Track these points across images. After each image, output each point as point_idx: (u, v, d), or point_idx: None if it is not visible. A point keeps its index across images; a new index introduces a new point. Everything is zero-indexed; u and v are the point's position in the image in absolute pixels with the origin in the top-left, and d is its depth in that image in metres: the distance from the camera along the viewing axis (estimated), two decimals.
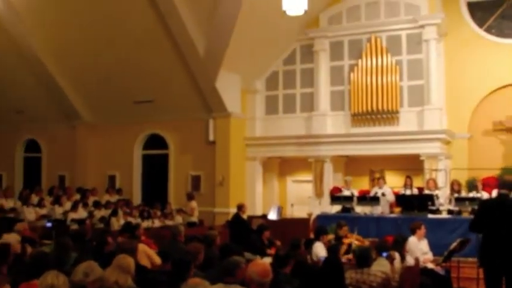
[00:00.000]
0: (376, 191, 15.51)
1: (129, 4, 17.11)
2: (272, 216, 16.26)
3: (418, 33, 17.30)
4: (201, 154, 19.31)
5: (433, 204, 13.99)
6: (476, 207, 10.68)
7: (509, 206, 7.99)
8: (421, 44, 17.28)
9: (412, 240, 10.13)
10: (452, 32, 17.68)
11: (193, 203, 17.79)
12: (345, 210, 15.32)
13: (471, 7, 17.68)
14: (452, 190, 14.69)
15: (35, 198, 17.14)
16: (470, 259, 10.87)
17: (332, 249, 10.20)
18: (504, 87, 17.16)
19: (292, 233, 12.48)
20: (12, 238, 8.22)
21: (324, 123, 18.37)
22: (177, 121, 19.62)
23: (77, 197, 18.06)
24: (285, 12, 12.53)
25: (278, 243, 11.67)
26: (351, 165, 19.04)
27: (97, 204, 17.23)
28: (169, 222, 16.94)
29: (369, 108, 17.53)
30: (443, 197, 14.95)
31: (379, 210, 14.91)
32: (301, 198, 18.77)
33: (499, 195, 8.41)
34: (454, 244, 9.93)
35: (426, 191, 14.85)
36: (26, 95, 21.15)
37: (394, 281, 7.80)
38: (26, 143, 23.08)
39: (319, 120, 18.42)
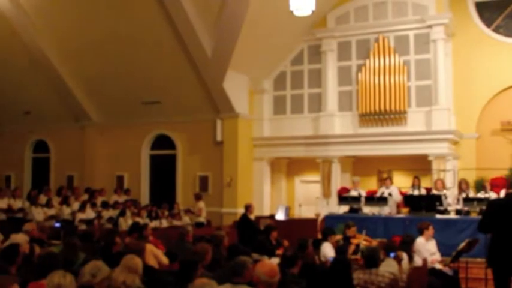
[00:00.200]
0: (383, 191, 15.51)
1: (137, 6, 17.13)
2: (280, 216, 16.27)
3: (426, 33, 17.27)
4: (209, 154, 19.32)
5: (441, 204, 13.97)
6: (484, 207, 10.64)
7: None
8: (429, 44, 17.24)
9: (420, 241, 10.11)
10: (460, 32, 17.64)
11: (201, 204, 17.81)
12: (352, 210, 15.31)
13: (479, 7, 17.62)
14: (460, 189, 14.69)
15: (43, 199, 17.18)
16: (478, 259, 10.87)
17: (340, 249, 10.21)
18: None
19: (300, 233, 12.47)
20: (20, 238, 8.23)
21: (332, 123, 18.35)
22: (185, 122, 19.64)
23: (85, 197, 18.08)
24: (292, 12, 12.54)
25: (286, 243, 11.66)
26: (358, 165, 19.01)
27: (105, 205, 17.27)
28: (177, 223, 16.98)
29: (377, 108, 17.50)
30: (451, 197, 14.92)
31: (386, 210, 14.89)
32: (308, 199, 18.78)
33: (508, 195, 8.40)
34: (462, 244, 9.91)
35: (434, 192, 14.83)
36: (34, 96, 21.22)
37: (402, 281, 7.78)
38: (34, 143, 23.14)
39: (327, 121, 18.40)
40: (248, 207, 14.60)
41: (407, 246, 9.25)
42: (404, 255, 8.74)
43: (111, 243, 8.61)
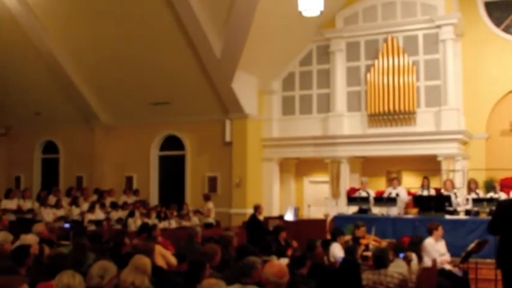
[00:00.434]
0: (390, 191, 15.47)
1: (146, 6, 17.16)
2: (289, 217, 16.25)
3: (435, 33, 17.22)
4: (218, 155, 19.34)
5: (450, 205, 13.93)
6: (494, 208, 10.61)
7: None
8: (438, 44, 17.19)
9: (429, 241, 10.08)
10: (469, 31, 17.57)
11: (210, 204, 17.84)
12: (361, 211, 15.29)
13: (488, 7, 17.56)
14: (469, 189, 14.64)
15: (52, 199, 17.23)
16: (488, 260, 10.83)
17: (349, 250, 10.20)
18: None
19: (309, 234, 12.49)
20: (30, 239, 8.26)
21: (341, 123, 18.33)
22: (194, 122, 19.66)
23: (94, 198, 18.15)
24: (301, 13, 12.53)
25: (295, 244, 11.65)
26: (367, 166, 18.97)
27: (114, 206, 17.33)
28: (186, 223, 16.99)
29: (386, 108, 17.47)
30: (460, 197, 14.88)
31: (394, 211, 14.86)
32: (317, 199, 18.75)
33: None
34: (472, 245, 9.89)
35: (443, 192, 14.79)
36: (44, 97, 21.29)
37: (411, 282, 7.77)
38: (44, 144, 23.21)
39: (336, 121, 18.38)
40: (257, 208, 14.60)
41: (415, 246, 9.24)
42: (414, 256, 8.72)
43: (120, 244, 8.64)
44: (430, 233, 10.31)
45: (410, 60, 17.37)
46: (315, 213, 17.35)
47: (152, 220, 15.71)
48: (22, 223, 15.02)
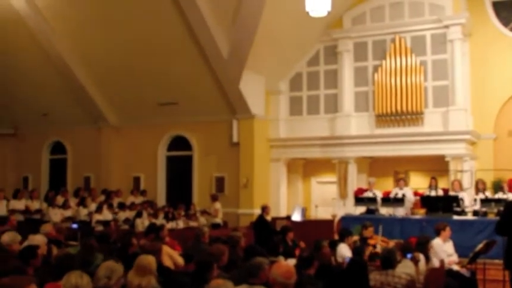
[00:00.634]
0: (396, 192, 15.43)
1: (153, 7, 17.17)
2: (296, 217, 16.24)
3: (443, 33, 17.18)
4: (225, 155, 19.35)
5: (458, 205, 13.88)
6: (502, 208, 10.57)
7: None
8: (446, 44, 17.15)
9: (437, 242, 10.04)
10: (477, 31, 17.52)
11: (217, 204, 17.85)
12: (369, 211, 15.26)
13: (496, 6, 17.51)
14: (477, 189, 14.58)
15: (60, 200, 17.27)
16: (496, 261, 10.78)
17: (357, 250, 10.18)
18: None
19: (316, 234, 12.44)
20: (39, 239, 8.28)
21: (348, 124, 18.31)
22: (201, 122, 19.69)
23: (102, 198, 18.17)
24: (308, 13, 12.51)
25: (302, 244, 11.64)
26: (375, 166, 18.94)
27: (122, 206, 17.35)
28: (193, 224, 17.01)
29: (393, 109, 17.44)
30: (468, 198, 14.83)
31: (401, 211, 14.81)
32: (325, 200, 18.72)
33: None
34: (480, 246, 9.84)
35: (451, 192, 14.75)
36: (51, 98, 21.35)
37: (419, 282, 7.76)
38: (51, 145, 23.27)
39: (343, 121, 18.37)
40: (264, 208, 14.61)
41: (423, 247, 9.21)
42: (421, 257, 8.70)
43: (128, 244, 8.65)
44: (437, 233, 10.28)
45: (418, 60, 17.33)
46: (322, 213, 17.33)
47: (160, 220, 15.72)
48: (30, 223, 15.06)
